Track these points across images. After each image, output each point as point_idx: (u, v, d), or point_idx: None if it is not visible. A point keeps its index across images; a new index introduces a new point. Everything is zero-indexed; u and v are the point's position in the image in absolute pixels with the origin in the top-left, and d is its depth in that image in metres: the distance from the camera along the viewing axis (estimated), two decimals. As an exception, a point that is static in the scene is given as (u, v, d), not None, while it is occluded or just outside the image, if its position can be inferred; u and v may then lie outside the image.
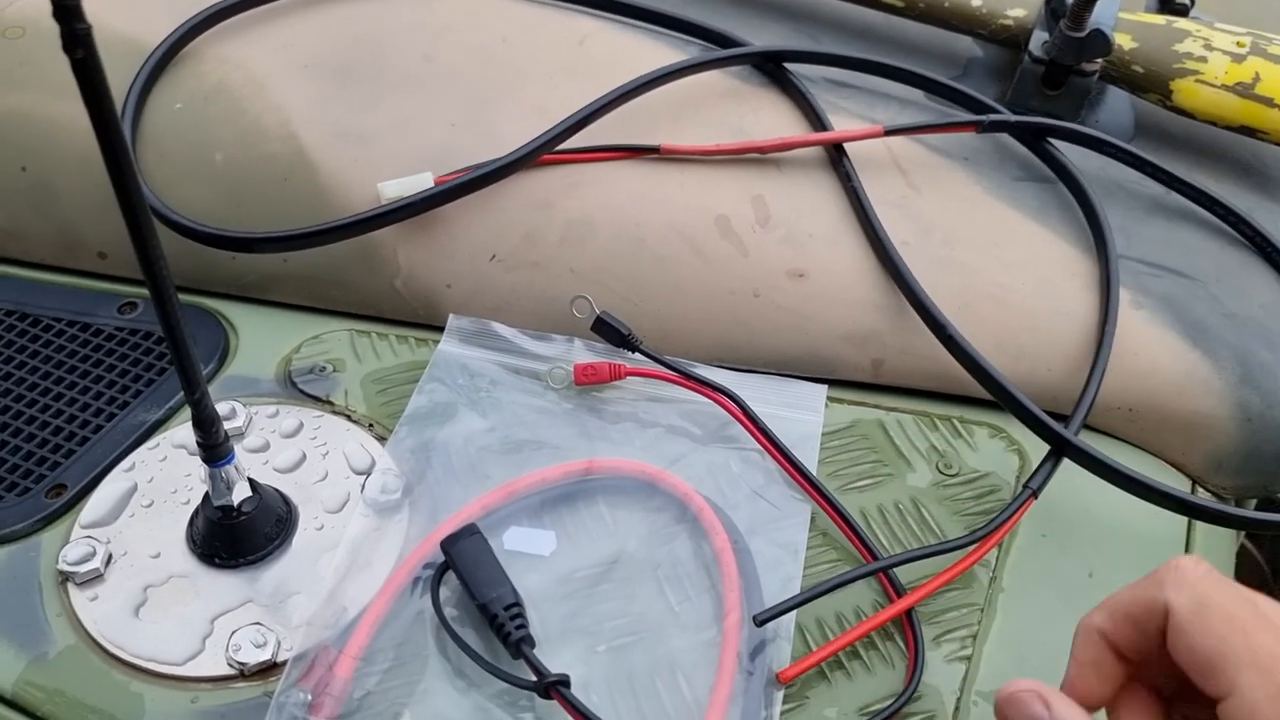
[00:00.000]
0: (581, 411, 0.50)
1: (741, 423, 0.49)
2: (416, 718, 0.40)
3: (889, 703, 0.41)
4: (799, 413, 0.50)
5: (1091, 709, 0.33)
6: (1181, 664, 0.31)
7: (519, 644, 0.40)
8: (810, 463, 0.48)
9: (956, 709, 0.41)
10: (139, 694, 0.40)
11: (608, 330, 0.50)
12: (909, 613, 0.43)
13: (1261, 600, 0.31)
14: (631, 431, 0.49)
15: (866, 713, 0.41)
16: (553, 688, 0.39)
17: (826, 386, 0.51)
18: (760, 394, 0.50)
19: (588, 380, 0.50)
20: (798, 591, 0.43)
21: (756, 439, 0.48)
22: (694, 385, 0.50)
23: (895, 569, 0.44)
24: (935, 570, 0.45)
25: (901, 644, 0.43)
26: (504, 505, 0.46)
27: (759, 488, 0.47)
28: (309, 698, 0.39)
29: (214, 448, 0.40)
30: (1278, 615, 0.31)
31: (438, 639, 0.42)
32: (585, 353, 0.52)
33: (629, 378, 0.51)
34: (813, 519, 0.47)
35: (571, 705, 0.38)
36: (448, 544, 0.43)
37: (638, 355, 0.51)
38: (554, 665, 0.40)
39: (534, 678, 0.39)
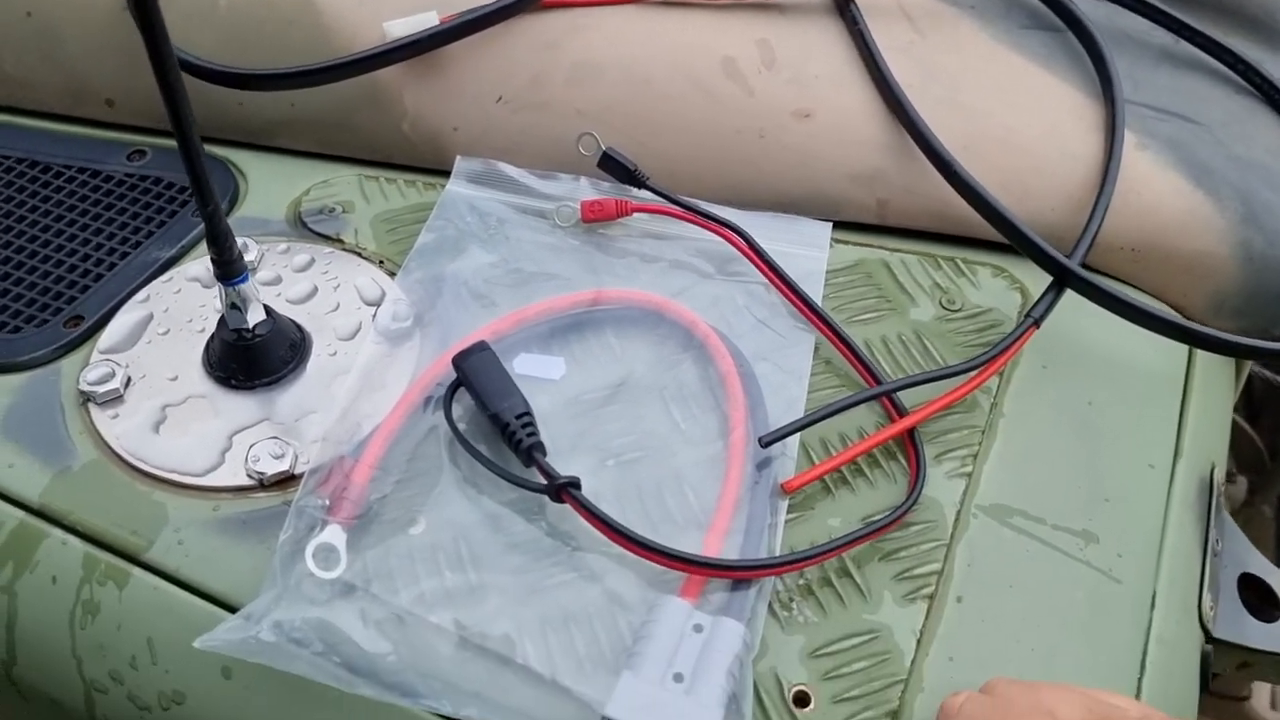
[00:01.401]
0: (588, 248, 0.51)
1: (748, 257, 0.49)
2: (430, 523, 0.41)
3: (890, 513, 0.42)
4: (804, 249, 0.51)
5: None
6: None
7: (530, 450, 0.41)
8: (815, 297, 0.49)
9: (956, 520, 0.42)
10: (161, 503, 0.42)
11: (614, 166, 0.51)
12: (911, 432, 0.44)
13: (1012, 706, 0.34)
14: (637, 266, 0.50)
15: (869, 522, 0.42)
16: (564, 490, 0.40)
17: (831, 225, 0.52)
18: (766, 231, 0.51)
19: (594, 217, 0.51)
20: (802, 414, 0.44)
21: (762, 272, 0.49)
22: (701, 220, 0.50)
23: (898, 394, 0.45)
24: (936, 396, 0.45)
25: (904, 462, 0.44)
26: (513, 332, 0.47)
27: (764, 318, 0.48)
28: (327, 502, 0.40)
29: (228, 264, 0.41)
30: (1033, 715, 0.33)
31: (450, 451, 0.43)
32: (592, 191, 0.52)
33: (636, 214, 0.51)
34: (816, 350, 0.48)
35: (583, 506, 0.39)
36: (459, 359, 0.44)
37: (644, 192, 0.51)
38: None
39: (545, 482, 0.40)
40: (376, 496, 0.41)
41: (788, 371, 0.46)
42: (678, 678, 0.36)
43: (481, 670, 0.37)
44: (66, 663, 0.40)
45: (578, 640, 0.38)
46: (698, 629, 0.37)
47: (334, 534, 0.39)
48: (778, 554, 0.40)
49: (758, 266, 0.49)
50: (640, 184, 0.51)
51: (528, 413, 0.42)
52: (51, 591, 0.41)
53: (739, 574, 0.39)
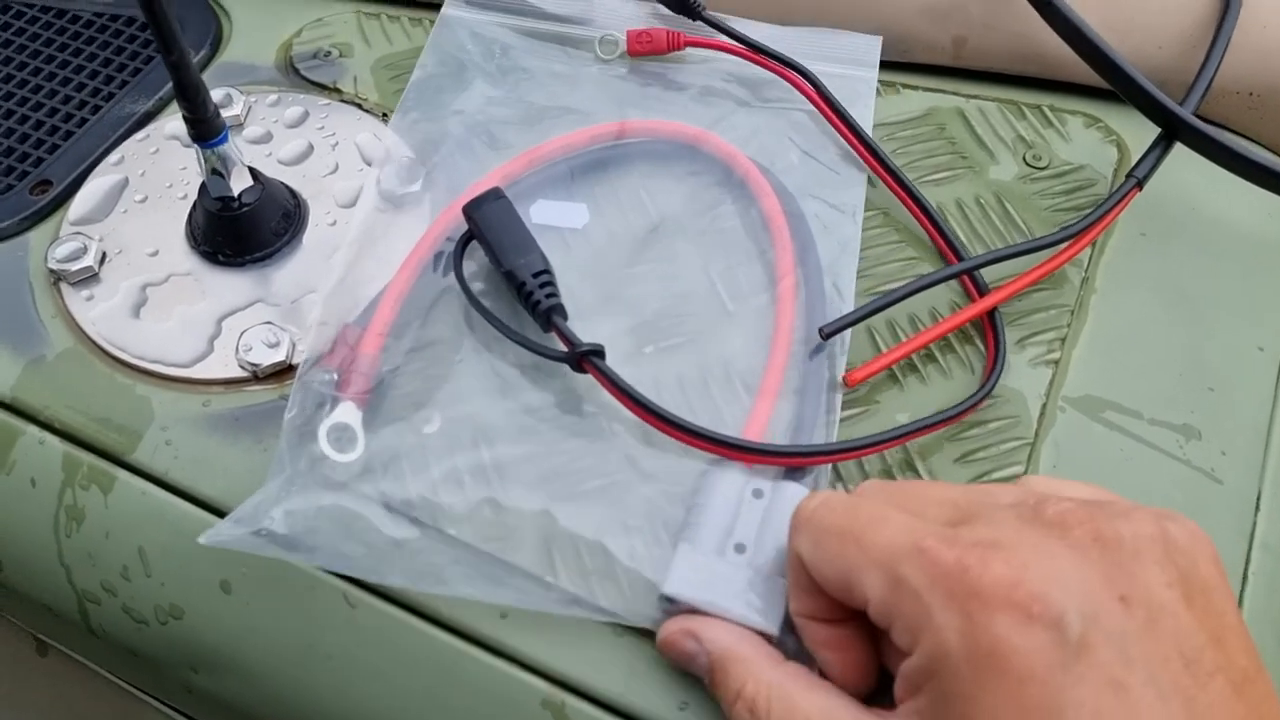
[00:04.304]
0: (607, 76, 0.44)
1: (818, 107, 0.43)
2: (448, 397, 0.36)
3: (962, 403, 0.37)
4: (850, 68, 0.44)
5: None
6: (832, 597, 0.29)
7: (549, 314, 0.36)
8: (865, 123, 0.43)
9: (1041, 414, 0.37)
10: (145, 397, 0.37)
11: None
12: (991, 313, 0.39)
13: (867, 500, 0.29)
14: (664, 94, 0.44)
15: (940, 413, 0.37)
16: (585, 358, 0.35)
17: (880, 38, 0.45)
18: (805, 47, 0.44)
19: (642, 50, 0.44)
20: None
21: (832, 123, 0.42)
22: (766, 62, 0.43)
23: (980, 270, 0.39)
24: (1018, 270, 0.40)
25: (981, 346, 0.39)
26: (527, 175, 0.41)
27: (810, 150, 0.42)
28: (335, 376, 0.36)
29: (203, 122, 0.35)
30: (886, 507, 0.28)
31: (467, 315, 0.38)
32: (611, 9, 0.45)
33: (689, 49, 0.44)
34: (871, 197, 0.42)
35: (605, 377, 0.34)
36: (471, 208, 0.38)
37: (699, 23, 0.44)
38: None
39: (565, 349, 0.35)
40: (388, 368, 0.36)
41: (839, 209, 0.41)
42: (739, 548, 0.32)
43: (522, 554, 0.33)
44: (55, 571, 0.37)
45: (623, 521, 0.34)
46: (757, 494, 0.33)
47: (348, 412, 0.35)
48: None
49: (829, 119, 0.42)
50: (696, 14, 0.44)
51: (547, 270, 0.37)
52: (31, 495, 0.37)
53: (788, 461, 0.34)
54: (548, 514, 0.34)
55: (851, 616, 0.29)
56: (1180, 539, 0.26)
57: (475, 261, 0.39)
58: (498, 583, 0.33)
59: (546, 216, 0.40)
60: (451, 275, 0.38)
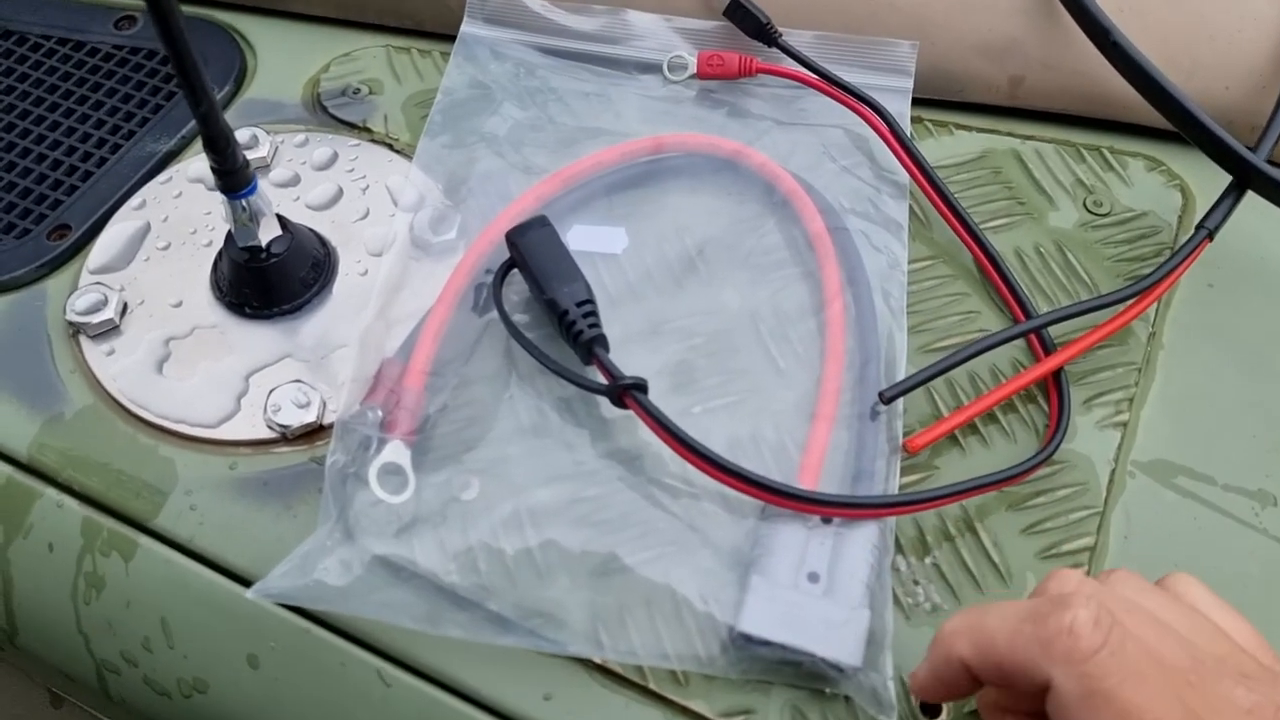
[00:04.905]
0: (638, 96, 0.43)
1: (887, 142, 0.41)
2: (495, 439, 0.35)
3: (1023, 463, 0.35)
4: (885, 77, 0.43)
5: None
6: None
7: (590, 345, 0.34)
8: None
9: (1111, 480, 0.35)
10: (169, 459, 0.35)
11: (743, 16, 0.43)
12: (1057, 373, 0.37)
13: (1172, 678, 0.25)
14: (697, 112, 0.43)
15: (1000, 472, 0.35)
16: (626, 392, 0.33)
17: (918, 44, 0.43)
18: (839, 55, 0.43)
19: (712, 74, 0.43)
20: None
21: (903, 163, 0.41)
22: (839, 94, 0.42)
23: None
24: (1083, 326, 0.38)
25: (1045, 405, 0.37)
26: (561, 195, 0.40)
27: (850, 165, 0.41)
28: (381, 415, 0.34)
29: (231, 174, 0.33)
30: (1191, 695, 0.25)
31: (508, 350, 0.37)
32: (641, 28, 0.44)
33: (760, 75, 0.43)
34: (925, 248, 0.40)
35: (646, 412, 0.33)
36: (515, 235, 0.37)
37: (773, 49, 0.43)
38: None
39: (605, 382, 0.34)
40: (435, 408, 0.35)
41: (884, 226, 0.40)
42: (813, 577, 0.31)
43: (589, 598, 0.32)
44: (73, 639, 0.35)
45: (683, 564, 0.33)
46: (827, 519, 0.32)
47: (397, 451, 0.33)
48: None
49: (896, 153, 0.41)
50: (771, 40, 0.43)
51: (590, 300, 0.35)
52: (49, 561, 0.35)
53: (846, 512, 0.32)
54: (596, 579, 0.32)
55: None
56: None
57: (514, 292, 0.38)
58: (575, 631, 0.31)
59: (584, 242, 0.39)
60: (492, 313, 0.37)
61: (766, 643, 0.30)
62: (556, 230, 0.37)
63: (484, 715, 0.31)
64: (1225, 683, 0.25)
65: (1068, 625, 0.25)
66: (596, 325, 0.35)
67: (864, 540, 0.32)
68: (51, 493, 0.36)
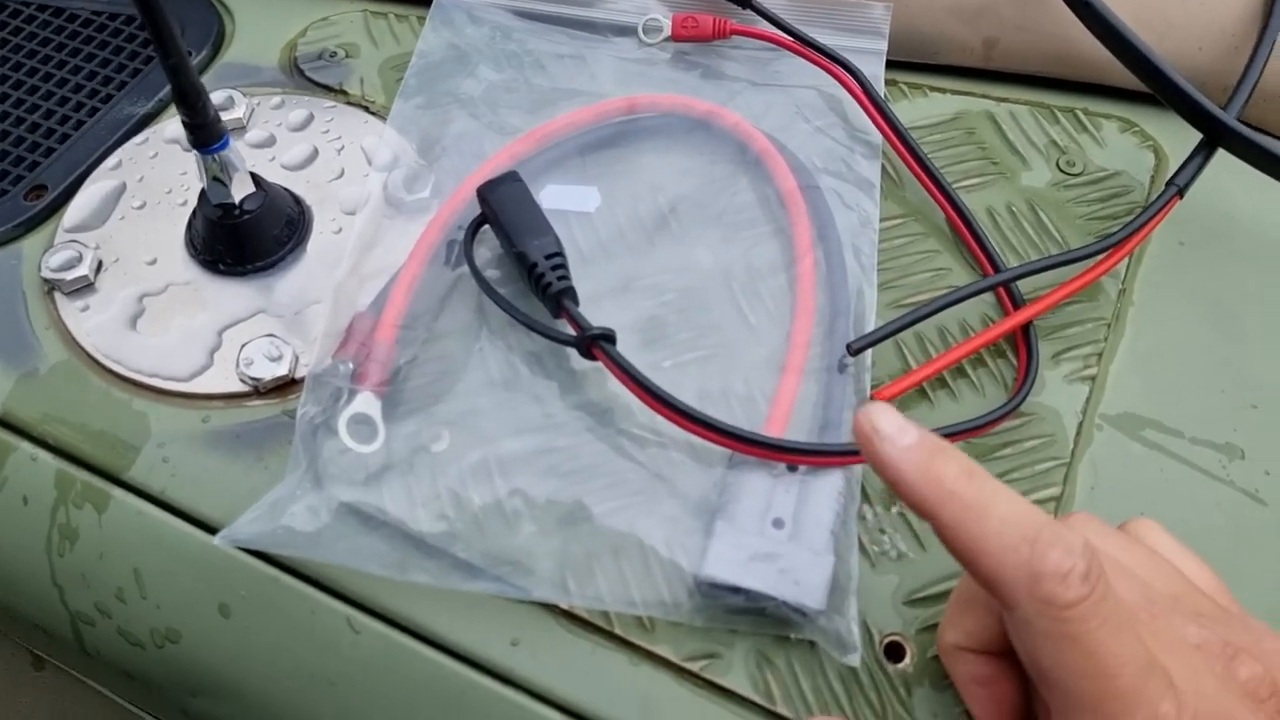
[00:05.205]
0: (612, 58, 0.43)
1: (860, 103, 0.41)
2: (464, 392, 0.35)
3: (990, 413, 0.35)
4: (859, 39, 0.43)
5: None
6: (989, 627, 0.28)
7: (559, 297, 0.35)
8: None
9: (1078, 433, 0.36)
10: (143, 412, 0.36)
11: None
12: (1025, 327, 0.37)
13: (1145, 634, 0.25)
14: (672, 74, 0.43)
15: (968, 421, 0.35)
16: (594, 343, 0.33)
17: (892, 6, 0.43)
18: (811, 18, 0.43)
19: (687, 35, 0.43)
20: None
21: (876, 122, 0.41)
22: (814, 56, 0.42)
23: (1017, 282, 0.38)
24: (1053, 282, 0.38)
25: (1014, 360, 0.37)
26: (535, 155, 0.40)
27: (822, 126, 0.41)
28: (352, 367, 0.34)
29: (202, 128, 0.34)
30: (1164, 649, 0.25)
31: (480, 306, 0.37)
32: None
33: (735, 37, 0.43)
34: (897, 207, 0.40)
35: (614, 362, 0.33)
36: (485, 190, 0.37)
37: (748, 12, 0.43)
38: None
39: (574, 334, 0.34)
40: (405, 359, 0.35)
41: (857, 185, 0.40)
42: (777, 524, 0.31)
43: (557, 546, 0.32)
44: (47, 592, 0.35)
45: (648, 511, 0.33)
46: (792, 467, 0.32)
47: (367, 402, 0.34)
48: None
49: (869, 113, 0.41)
50: (746, 3, 0.43)
51: (559, 253, 0.36)
52: (23, 513, 0.35)
53: (812, 459, 0.32)
54: (564, 527, 0.33)
55: (1006, 651, 0.27)
56: None
57: (488, 249, 0.38)
58: (542, 578, 0.32)
59: (557, 201, 0.39)
60: (463, 268, 0.37)
61: (730, 587, 0.31)
62: (528, 187, 0.37)
63: (452, 661, 0.32)
64: (1177, 620, 0.26)
65: (1064, 571, 0.24)
66: (566, 278, 0.35)
67: (829, 488, 0.32)
68: (26, 446, 0.36)
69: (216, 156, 0.35)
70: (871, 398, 0.35)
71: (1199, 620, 0.26)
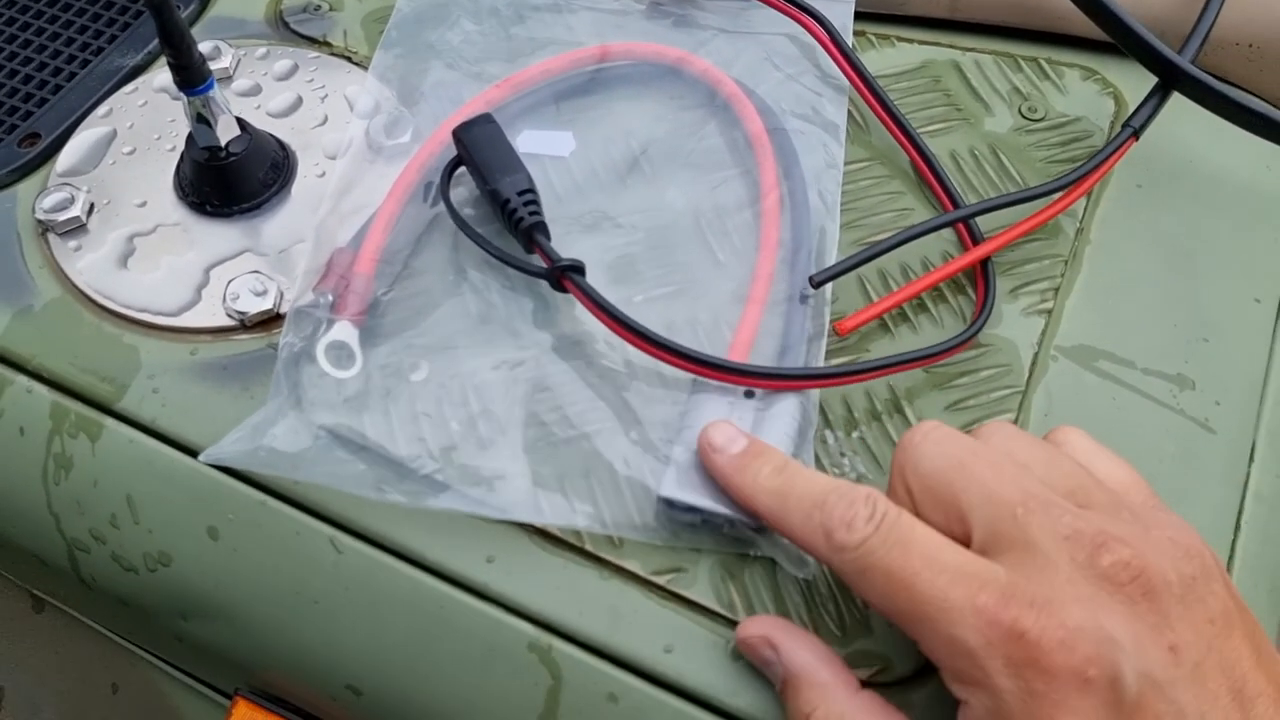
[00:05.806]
0: (583, 9, 0.45)
1: (828, 50, 0.42)
2: (438, 324, 0.36)
3: (948, 341, 0.36)
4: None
5: None
6: None
7: (530, 231, 0.36)
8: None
9: (1033, 363, 0.37)
10: (133, 346, 0.37)
11: None
12: (984, 262, 0.38)
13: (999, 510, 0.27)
14: (644, 24, 0.44)
15: (927, 348, 0.36)
16: (565, 274, 0.35)
17: None
18: None
19: None
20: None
21: (841, 68, 0.42)
22: (781, 4, 0.43)
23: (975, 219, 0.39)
24: (1013, 219, 0.39)
25: (974, 297, 0.38)
26: (510, 101, 0.41)
27: (792, 74, 0.43)
28: (331, 299, 0.36)
29: (187, 69, 0.35)
30: (945, 552, 0.27)
31: (456, 243, 0.38)
32: None
33: None
34: (863, 151, 0.42)
35: (583, 292, 0.34)
36: (460, 131, 0.38)
37: None
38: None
39: (545, 266, 0.35)
40: (382, 292, 0.37)
41: (823, 128, 0.41)
42: None
43: (530, 468, 0.34)
44: (44, 519, 0.37)
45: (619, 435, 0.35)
46: (749, 394, 0.34)
47: (345, 330, 0.35)
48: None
49: (836, 61, 0.42)
50: None
51: (531, 190, 0.37)
52: (20, 444, 0.37)
53: (769, 383, 0.34)
54: (537, 451, 0.34)
55: None
56: (1207, 563, 0.27)
57: (465, 188, 0.39)
58: (513, 499, 0.33)
59: (533, 146, 0.40)
60: (440, 207, 0.38)
61: (687, 506, 0.32)
62: (502, 129, 0.38)
63: (430, 578, 0.33)
64: (1054, 511, 0.27)
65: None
66: (537, 213, 0.36)
67: (785, 413, 0.33)
68: (22, 380, 0.37)
69: (202, 98, 0.36)
70: (834, 327, 0.36)
71: (1080, 512, 0.27)
